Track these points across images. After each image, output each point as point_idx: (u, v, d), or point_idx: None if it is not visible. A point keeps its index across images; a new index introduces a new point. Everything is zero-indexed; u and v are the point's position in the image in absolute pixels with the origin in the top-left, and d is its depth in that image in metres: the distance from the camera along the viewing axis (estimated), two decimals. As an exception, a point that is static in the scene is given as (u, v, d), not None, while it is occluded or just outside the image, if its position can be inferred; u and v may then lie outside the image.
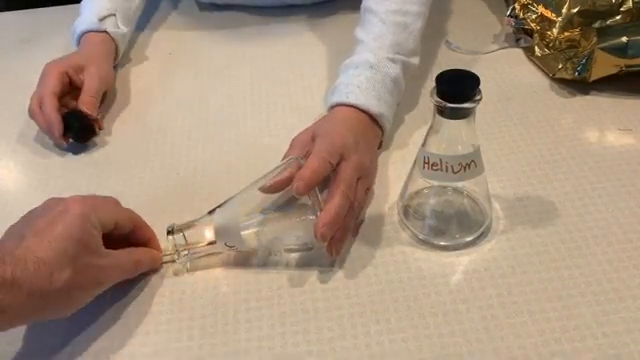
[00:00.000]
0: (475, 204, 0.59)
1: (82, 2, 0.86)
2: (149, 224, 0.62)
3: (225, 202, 0.56)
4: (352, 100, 0.63)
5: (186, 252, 0.56)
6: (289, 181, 0.55)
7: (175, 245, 0.56)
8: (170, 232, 0.56)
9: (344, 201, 0.55)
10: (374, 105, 0.64)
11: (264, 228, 0.56)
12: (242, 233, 0.55)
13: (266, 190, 0.56)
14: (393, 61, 0.67)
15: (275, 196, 0.57)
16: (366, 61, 0.66)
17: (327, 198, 0.55)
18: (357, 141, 0.60)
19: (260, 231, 0.56)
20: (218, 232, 0.55)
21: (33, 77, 0.76)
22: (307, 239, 0.56)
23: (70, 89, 0.75)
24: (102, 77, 0.76)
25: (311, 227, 0.54)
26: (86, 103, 0.73)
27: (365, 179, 0.61)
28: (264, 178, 0.56)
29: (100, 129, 0.75)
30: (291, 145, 0.62)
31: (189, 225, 0.56)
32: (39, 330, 0.54)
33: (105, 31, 0.82)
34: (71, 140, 0.72)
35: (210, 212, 0.56)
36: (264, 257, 0.58)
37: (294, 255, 0.58)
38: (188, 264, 0.58)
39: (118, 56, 0.85)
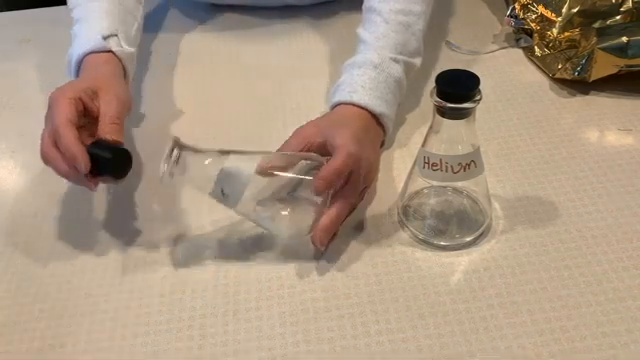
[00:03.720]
0: (475, 204, 0.60)
1: (74, 29, 0.74)
2: (151, 227, 0.62)
3: (240, 152, 0.55)
4: (356, 99, 0.64)
5: (176, 166, 0.53)
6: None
7: (171, 156, 0.52)
8: (175, 144, 0.53)
9: (347, 208, 0.58)
10: (377, 105, 0.64)
11: (266, 205, 0.56)
12: (245, 192, 0.54)
13: (261, 172, 0.56)
14: (396, 61, 0.67)
15: (285, 181, 0.57)
16: (370, 61, 0.66)
17: (332, 200, 0.56)
18: (362, 140, 0.60)
19: (260, 203, 0.55)
20: (223, 175, 0.53)
21: (33, 77, 0.76)
22: (303, 225, 0.57)
23: (84, 121, 0.61)
24: (121, 100, 0.62)
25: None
26: (109, 132, 0.58)
27: (368, 175, 0.61)
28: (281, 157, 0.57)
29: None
30: (293, 135, 0.62)
31: (195, 150, 0.53)
32: (36, 329, 0.54)
33: (110, 51, 0.70)
34: (102, 178, 0.58)
35: (222, 152, 0.54)
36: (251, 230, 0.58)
37: (295, 255, 0.58)
38: (172, 170, 0.53)
39: (128, 79, 0.72)
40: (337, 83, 0.67)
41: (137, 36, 0.78)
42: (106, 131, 0.58)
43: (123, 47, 0.71)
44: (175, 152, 0.53)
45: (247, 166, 0.55)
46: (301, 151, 0.60)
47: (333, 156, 0.57)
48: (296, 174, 0.57)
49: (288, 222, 0.56)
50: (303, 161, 0.58)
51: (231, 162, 0.54)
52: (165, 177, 0.53)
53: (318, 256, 0.58)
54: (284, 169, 0.57)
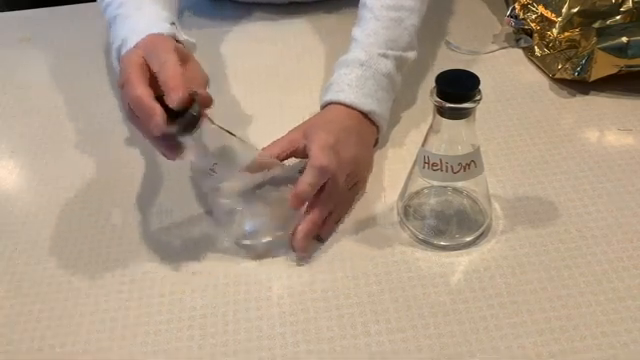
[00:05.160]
0: (475, 204, 0.60)
1: (120, 11, 0.65)
2: (151, 227, 0.62)
3: (243, 141, 0.56)
4: (342, 98, 0.64)
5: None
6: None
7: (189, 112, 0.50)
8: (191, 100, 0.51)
9: (323, 212, 0.59)
10: (365, 103, 0.64)
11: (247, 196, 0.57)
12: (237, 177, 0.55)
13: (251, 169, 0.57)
14: (385, 57, 0.67)
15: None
16: (357, 59, 0.67)
17: (308, 206, 0.58)
18: (344, 143, 0.60)
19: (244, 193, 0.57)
20: (222, 151, 0.54)
21: (33, 77, 0.76)
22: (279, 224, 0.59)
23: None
24: (206, 78, 0.61)
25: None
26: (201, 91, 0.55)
27: (357, 173, 0.62)
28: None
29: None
30: (283, 137, 0.62)
31: (211, 122, 0.52)
32: (36, 329, 0.54)
33: (176, 39, 0.62)
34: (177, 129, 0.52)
35: (229, 132, 0.55)
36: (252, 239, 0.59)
37: (294, 255, 0.58)
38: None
39: None
40: (328, 83, 0.68)
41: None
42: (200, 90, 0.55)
43: (187, 37, 0.64)
44: (194, 109, 0.51)
45: (245, 155, 0.56)
46: (287, 154, 0.61)
47: (306, 169, 0.57)
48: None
49: (250, 218, 0.58)
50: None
51: (233, 144, 0.55)
52: (175, 129, 0.51)
53: (318, 256, 0.58)
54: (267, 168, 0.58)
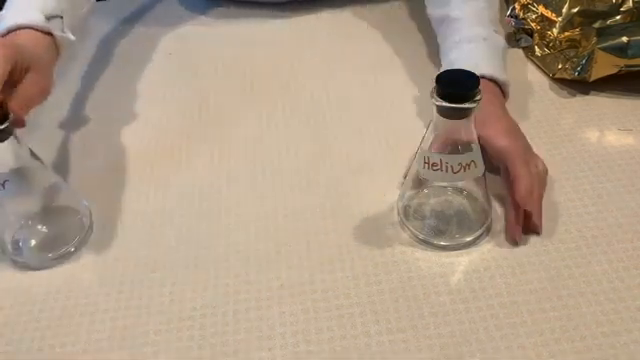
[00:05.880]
0: (475, 204, 0.60)
1: None
2: (151, 227, 0.62)
3: (47, 170, 0.59)
4: (484, 71, 0.64)
5: None
6: None
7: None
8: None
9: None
10: (500, 73, 0.65)
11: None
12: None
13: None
14: (496, 32, 0.70)
15: None
16: (479, 35, 0.68)
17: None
18: (514, 125, 0.62)
19: None
20: (19, 172, 0.56)
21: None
22: None
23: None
24: (45, 92, 0.60)
25: None
26: (20, 112, 0.56)
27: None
28: None
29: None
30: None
31: (17, 141, 0.55)
32: (36, 329, 0.54)
33: (50, 33, 0.63)
34: None
35: (36, 157, 0.58)
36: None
37: (295, 255, 0.58)
38: None
39: (56, 66, 0.64)
40: (447, 60, 0.69)
41: (86, 17, 0.72)
42: (19, 110, 0.56)
43: (65, 33, 0.65)
44: (4, 124, 0.53)
45: (41, 182, 0.59)
46: None
47: (513, 171, 0.57)
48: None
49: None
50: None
51: (34, 169, 0.57)
52: None
53: (318, 257, 0.58)
54: None
